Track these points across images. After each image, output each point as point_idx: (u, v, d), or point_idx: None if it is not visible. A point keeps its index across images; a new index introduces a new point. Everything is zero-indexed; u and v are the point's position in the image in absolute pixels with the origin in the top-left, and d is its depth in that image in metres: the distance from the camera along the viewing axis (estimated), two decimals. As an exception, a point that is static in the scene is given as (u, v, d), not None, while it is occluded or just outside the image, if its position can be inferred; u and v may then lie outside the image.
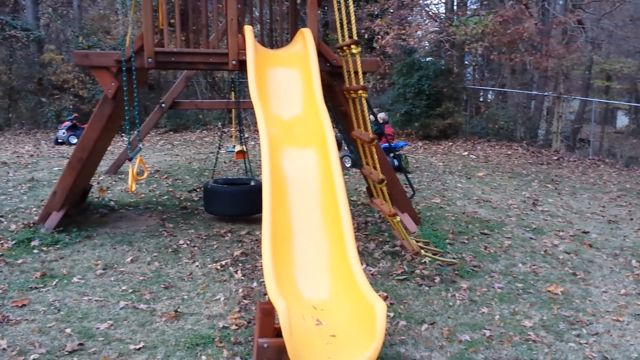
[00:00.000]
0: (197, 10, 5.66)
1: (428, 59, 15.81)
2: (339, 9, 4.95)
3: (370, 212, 6.71)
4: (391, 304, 4.06)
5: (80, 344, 3.35)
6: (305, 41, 5.04)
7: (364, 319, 2.94)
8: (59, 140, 13.53)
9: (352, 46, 4.67)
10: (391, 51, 14.00)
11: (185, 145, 14.10)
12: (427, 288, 4.40)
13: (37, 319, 3.70)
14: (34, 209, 6.45)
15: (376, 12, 15.59)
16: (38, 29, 18.46)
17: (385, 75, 16.13)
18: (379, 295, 3.58)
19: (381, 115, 11.02)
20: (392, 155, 9.53)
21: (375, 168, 4.75)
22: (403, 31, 14.08)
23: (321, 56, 5.21)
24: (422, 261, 4.90)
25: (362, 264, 4.05)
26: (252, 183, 6.59)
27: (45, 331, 3.52)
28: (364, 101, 4.69)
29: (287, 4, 6.08)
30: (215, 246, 5.35)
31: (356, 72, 4.82)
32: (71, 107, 16.64)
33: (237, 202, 6.15)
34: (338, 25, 5.03)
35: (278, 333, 2.89)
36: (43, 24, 20.38)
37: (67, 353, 3.25)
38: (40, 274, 4.45)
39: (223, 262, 4.86)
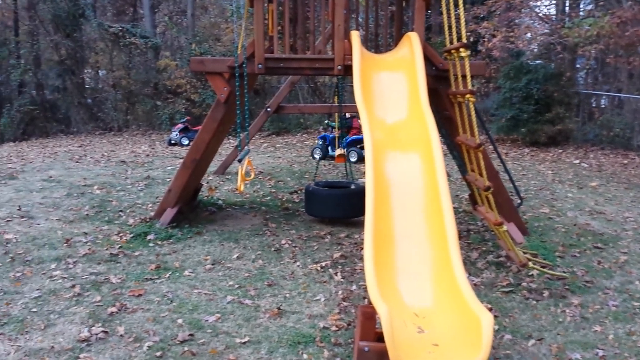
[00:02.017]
0: (304, 17, 5.80)
1: (537, 62, 15.09)
2: (448, 12, 4.87)
3: (472, 220, 6.53)
4: (496, 316, 3.92)
5: (191, 335, 3.54)
6: (411, 45, 5.00)
7: (469, 330, 2.87)
8: (172, 142, 14.38)
9: (461, 49, 4.57)
10: (498, 54, 13.53)
11: (286, 148, 14.47)
12: (534, 302, 4.20)
13: (152, 308, 3.95)
14: (150, 205, 6.92)
15: (482, 15, 15.14)
16: (155, 36, 19.73)
17: (491, 79, 15.60)
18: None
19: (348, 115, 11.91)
20: (359, 146, 10.93)
21: (480, 175, 4.61)
22: (511, 33, 13.57)
23: (427, 60, 5.15)
24: (530, 274, 4.69)
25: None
26: (353, 186, 6.64)
27: (159, 320, 3.75)
28: (471, 106, 4.58)
29: (393, 9, 6.07)
30: (316, 247, 5.45)
31: (463, 76, 4.71)
32: (183, 110, 17.63)
33: (337, 205, 6.22)
34: (446, 28, 4.94)
35: (379, 337, 2.89)
36: (159, 31, 21.78)
37: (178, 342, 3.45)
38: (155, 266, 4.76)
39: (323, 264, 4.93)
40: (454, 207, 7.09)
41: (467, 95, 4.60)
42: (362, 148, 10.82)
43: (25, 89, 19.29)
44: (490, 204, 4.58)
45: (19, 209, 6.54)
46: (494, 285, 4.48)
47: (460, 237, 5.72)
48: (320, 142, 12.03)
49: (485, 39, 13.39)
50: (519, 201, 6.06)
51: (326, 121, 13.28)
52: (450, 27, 4.83)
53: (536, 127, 13.56)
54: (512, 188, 6.28)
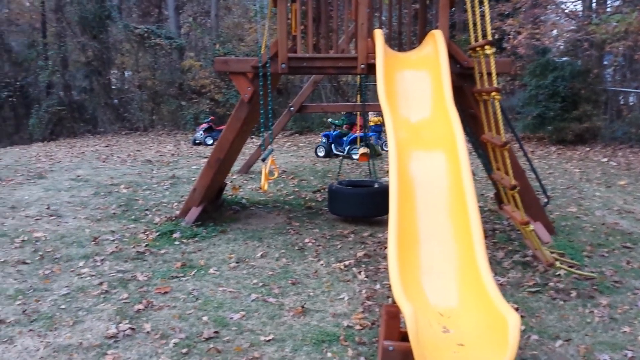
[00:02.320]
0: (327, 16, 5.80)
1: (564, 59, 14.86)
2: (472, 9, 4.82)
3: (498, 219, 6.46)
4: (522, 316, 3.86)
5: (216, 332, 3.57)
6: (435, 43, 4.97)
7: (495, 330, 2.84)
8: (197, 141, 14.52)
9: (487, 47, 4.52)
10: (523, 51, 13.36)
11: (309, 147, 14.48)
12: (561, 302, 4.14)
13: (178, 305, 3.99)
14: (175, 203, 7.00)
15: (507, 12, 14.97)
16: (179, 37, 19.93)
17: (516, 77, 15.41)
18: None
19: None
20: (364, 144, 10.78)
21: (506, 173, 4.56)
22: (537, 30, 13.39)
23: (451, 58, 5.11)
24: (557, 273, 4.62)
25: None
26: (376, 185, 6.62)
27: (184, 317, 3.79)
28: (497, 103, 4.53)
29: (416, 7, 6.04)
30: (339, 246, 5.45)
31: (489, 74, 4.66)
32: (207, 110, 17.79)
33: (360, 204, 6.21)
34: (471, 26, 4.90)
35: (404, 337, 2.88)
36: (184, 32, 21.99)
37: (204, 339, 3.48)
38: (180, 264, 4.81)
39: (347, 262, 4.93)
40: (480, 206, 7.01)
41: (493, 93, 4.55)
42: (367, 145, 10.85)
43: (53, 90, 19.67)
44: (516, 202, 4.52)
45: (48, 208, 6.68)
46: (521, 285, 4.43)
47: (485, 237, 5.63)
48: (324, 140, 12.22)
49: (511, 36, 13.23)
50: (545, 200, 5.98)
51: (329, 119, 13.57)
52: (475, 25, 4.79)
53: (563, 125, 13.35)
54: (538, 187, 6.19)
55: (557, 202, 7.29)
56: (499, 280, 4.46)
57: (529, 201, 5.42)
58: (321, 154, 12.00)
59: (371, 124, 12.67)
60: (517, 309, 3.95)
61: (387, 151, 8.66)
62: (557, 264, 4.40)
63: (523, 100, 14.43)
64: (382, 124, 13.18)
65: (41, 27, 20.39)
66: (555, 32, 14.53)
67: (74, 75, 19.66)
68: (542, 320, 3.84)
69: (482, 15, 4.59)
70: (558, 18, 15.43)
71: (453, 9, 14.36)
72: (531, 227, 4.51)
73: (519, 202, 4.48)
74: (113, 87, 21.07)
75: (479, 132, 5.32)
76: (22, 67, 19.59)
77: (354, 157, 11.46)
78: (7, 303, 3.94)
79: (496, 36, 14.06)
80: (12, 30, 20.42)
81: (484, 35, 4.59)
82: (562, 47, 16.26)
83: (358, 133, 11.53)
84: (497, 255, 5.13)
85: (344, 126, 12.43)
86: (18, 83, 19.00)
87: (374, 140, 12.14)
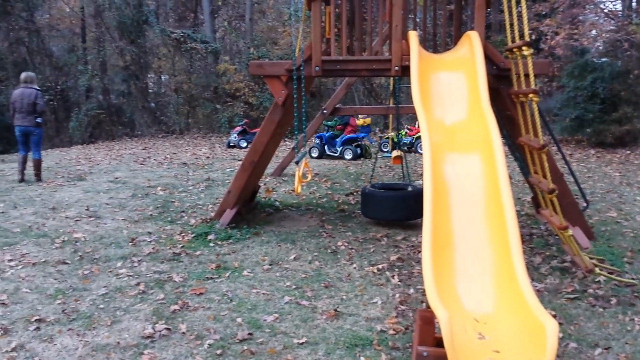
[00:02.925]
0: (361, 18, 5.79)
1: (603, 59, 14.49)
2: (509, 9, 4.74)
3: (535, 223, 6.33)
4: (560, 323, 3.77)
5: (250, 334, 3.59)
6: (471, 44, 4.90)
7: (532, 337, 2.78)
8: (231, 144, 14.69)
9: (524, 48, 4.44)
10: (561, 52, 13.08)
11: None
12: (601, 309, 4.02)
13: (212, 307, 4.03)
14: (210, 205, 7.08)
15: (544, 12, 14.68)
16: (214, 41, 20.19)
17: (554, 78, 15.10)
18: (548, 312, 3.35)
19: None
20: (355, 145, 12.01)
21: (544, 177, 4.46)
22: (575, 31, 13.09)
23: (487, 59, 5.04)
24: (596, 280, 4.49)
25: (528, 278, 3.83)
26: (409, 188, 6.57)
27: (219, 319, 3.83)
28: (534, 105, 4.44)
29: (451, 7, 5.97)
30: (372, 250, 5.42)
31: (526, 75, 4.57)
32: (242, 113, 17.97)
33: (394, 207, 6.17)
34: (507, 27, 4.82)
35: (438, 342, 2.84)
36: (219, 36, 22.27)
37: (237, 341, 3.50)
38: (215, 265, 4.86)
39: (380, 266, 4.90)
40: (516, 210, 6.89)
41: (531, 95, 4.46)
42: (358, 146, 12.15)
43: (93, 93, 20.18)
44: (554, 207, 4.42)
45: (87, 209, 6.84)
46: (559, 292, 4.32)
47: (522, 241, 5.52)
48: (318, 141, 12.65)
49: (548, 37, 12.97)
50: (584, 204, 5.83)
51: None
52: (511, 25, 4.71)
53: (602, 127, 13.01)
54: (577, 191, 6.04)
55: (596, 207, 7.10)
56: (536, 287, 4.37)
57: (567, 205, 5.29)
58: (314, 154, 12.40)
59: (360, 123, 13.43)
60: (554, 316, 3.86)
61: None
62: (597, 270, 4.28)
63: (561, 102, 14.13)
64: (370, 125, 13.93)
65: (81, 32, 20.96)
66: (594, 32, 14.18)
67: (113, 79, 20.13)
68: (581, 328, 3.74)
69: (519, 16, 4.51)
70: (597, 18, 15.06)
71: (489, 9, 14.20)
72: (570, 232, 4.40)
73: (557, 206, 4.37)
74: (150, 90, 21.50)
75: (515, 134, 5.22)
76: (62, 72, 20.16)
77: (347, 157, 11.99)
78: (48, 302, 4.05)
79: (533, 37, 13.81)
80: (53, 35, 21.04)
81: (521, 36, 4.51)
82: (601, 47, 15.86)
83: (351, 134, 12.35)
84: (535, 260, 5.03)
85: (337, 127, 12.85)
86: (59, 87, 19.54)
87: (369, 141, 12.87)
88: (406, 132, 13.67)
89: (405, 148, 12.98)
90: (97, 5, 19.37)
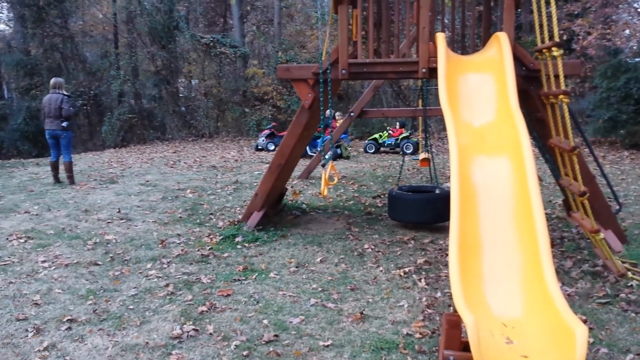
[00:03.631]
0: (388, 20, 5.78)
1: (637, 59, 14.14)
2: (539, 10, 4.67)
3: (566, 226, 6.20)
4: (591, 328, 3.69)
5: (276, 335, 3.60)
6: (500, 45, 4.84)
7: (561, 342, 2.72)
8: (259, 147, 14.80)
9: (553, 48, 4.37)
10: (594, 52, 12.82)
11: (370, 152, 14.45)
12: (633, 314, 3.92)
13: (239, 308, 4.07)
14: (238, 208, 7.15)
15: (576, 12, 14.41)
16: (243, 45, 20.39)
17: (586, 79, 14.81)
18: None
19: (328, 113, 12.85)
20: (335, 145, 12.26)
21: (575, 179, 4.38)
22: (608, 30, 12.82)
23: (517, 60, 4.97)
24: (629, 284, 4.38)
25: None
26: (437, 191, 6.51)
27: (245, 320, 3.86)
28: (565, 107, 4.36)
29: (480, 8, 5.91)
30: (399, 252, 5.39)
31: (556, 76, 4.50)
32: (270, 116, 18.11)
33: (421, 210, 6.13)
34: (537, 27, 4.75)
35: (465, 347, 2.81)
36: (248, 41, 22.48)
37: (264, 343, 3.52)
38: (242, 267, 4.90)
39: (406, 269, 4.87)
40: (547, 213, 6.79)
41: (561, 96, 4.39)
42: (338, 147, 12.75)
43: (125, 98, 20.59)
44: (585, 210, 4.34)
45: (119, 211, 6.98)
46: (590, 296, 4.23)
47: (553, 245, 5.47)
48: None
49: (580, 37, 12.72)
50: (617, 207, 5.69)
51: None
52: (541, 26, 4.64)
53: (636, 128, 12.69)
54: (609, 193, 5.90)
55: (629, 210, 6.93)
56: (566, 291, 4.29)
57: (599, 208, 5.18)
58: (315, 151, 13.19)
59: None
60: (585, 321, 3.78)
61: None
62: (629, 274, 4.18)
63: (594, 103, 13.85)
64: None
65: (113, 38, 21.40)
66: (627, 31, 13.86)
67: (144, 84, 20.52)
68: (612, 333, 3.65)
69: (549, 16, 4.44)
70: (630, 17, 14.71)
71: (519, 10, 14.00)
72: (601, 235, 4.31)
73: (589, 209, 4.29)
74: (180, 95, 21.83)
75: (546, 136, 5.14)
76: (95, 77, 20.62)
77: (326, 157, 12.22)
78: (79, 302, 4.14)
79: (565, 37, 13.58)
80: (86, 41, 21.55)
81: (551, 37, 4.43)
82: (635, 47, 15.47)
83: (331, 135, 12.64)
84: (565, 264, 4.93)
85: (317, 129, 13.11)
86: (92, 92, 19.99)
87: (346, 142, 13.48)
88: (389, 134, 14.41)
89: (388, 149, 14.16)
90: (129, 11, 19.76)
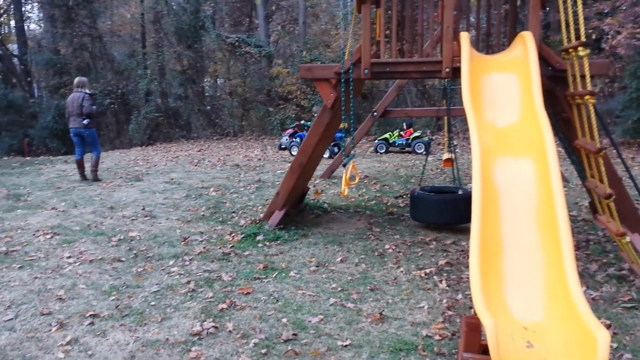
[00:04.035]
0: (412, 20, 5.74)
1: (668, 59, 13.81)
2: (565, 9, 4.59)
3: (593, 229, 6.09)
4: (615, 333, 3.62)
5: (294, 334, 3.61)
6: (525, 45, 4.78)
7: (583, 347, 2.67)
8: (282, 146, 14.86)
9: (579, 48, 4.29)
10: (623, 52, 12.54)
11: (393, 152, 14.39)
12: (661, 321, 3.83)
13: (259, 306, 4.09)
14: (260, 207, 7.18)
15: (606, 11, 14.12)
16: (268, 45, 20.48)
17: (615, 79, 14.50)
18: (601, 322, 3.21)
19: (315, 109, 14.97)
20: (332, 144, 12.82)
21: (601, 181, 4.29)
22: (638, 30, 12.52)
23: (542, 60, 4.90)
24: (657, 290, 4.28)
25: (582, 287, 3.70)
26: (460, 192, 6.45)
27: (265, 318, 3.88)
28: (591, 107, 4.28)
29: (506, 7, 5.83)
30: (420, 253, 5.36)
31: (582, 76, 4.42)
32: (293, 115, 18.17)
33: (443, 211, 6.08)
34: (563, 26, 4.66)
35: (484, 350, 2.78)
36: (272, 40, 22.57)
37: (282, 341, 3.53)
38: (263, 266, 4.93)
39: (427, 270, 4.83)
40: (573, 215, 6.67)
41: (587, 97, 4.31)
42: (335, 145, 13.24)
43: (151, 97, 20.86)
44: (611, 212, 4.25)
45: (143, 209, 7.08)
46: (615, 300, 4.14)
47: (578, 248, 5.38)
48: (298, 140, 14.16)
49: (610, 36, 12.46)
50: (646, 210, 5.57)
51: (302, 122, 16.11)
52: (567, 25, 4.56)
53: (668, 130, 12.40)
54: (637, 196, 5.77)
55: (660, 213, 6.75)
56: (591, 295, 4.21)
57: (625, 211, 5.07)
58: (294, 152, 13.81)
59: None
60: (609, 326, 3.71)
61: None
62: (657, 279, 4.08)
63: (623, 104, 13.57)
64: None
65: (141, 38, 21.69)
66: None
67: (171, 83, 20.76)
68: (637, 339, 3.57)
69: (575, 15, 4.36)
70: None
71: (547, 9, 13.77)
72: (627, 238, 4.22)
73: (615, 211, 4.20)
74: (206, 94, 22.04)
75: (572, 137, 5.05)
76: (123, 76, 20.93)
77: (324, 155, 13.28)
78: (102, 298, 4.21)
79: (594, 36, 13.31)
80: (114, 41, 21.89)
81: (577, 36, 4.35)
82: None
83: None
84: (590, 268, 4.84)
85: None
86: (119, 91, 20.30)
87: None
88: (400, 134, 14.53)
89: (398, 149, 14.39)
90: (157, 11, 20.01)
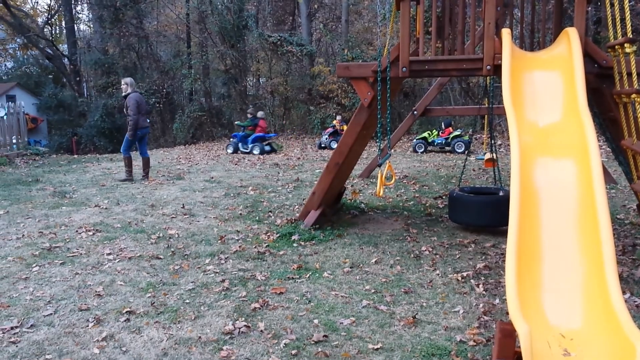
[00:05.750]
0: (454, 17, 5.62)
1: None
2: (612, 4, 4.40)
3: (641, 233, 5.84)
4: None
5: (325, 336, 3.58)
6: (569, 41, 4.60)
7: (621, 356, 2.55)
8: (322, 145, 14.86)
9: (626, 45, 4.10)
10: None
11: (434, 152, 14.19)
12: None
13: (291, 307, 4.08)
14: (296, 206, 7.19)
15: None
16: (310, 43, 20.52)
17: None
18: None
19: (260, 114, 15.17)
20: (265, 142, 14.40)
21: (649, 184, 4.10)
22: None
23: (588, 57, 4.71)
24: None
25: (625, 293, 3.55)
26: (501, 193, 6.28)
27: (296, 319, 3.86)
28: (637, 106, 4.08)
29: (552, 3, 5.64)
30: (458, 256, 5.24)
31: (629, 74, 4.22)
32: (334, 114, 18.12)
33: (483, 212, 5.93)
34: (610, 22, 4.47)
35: (519, 357, 2.69)
36: (315, 39, 22.60)
37: (313, 342, 3.51)
38: (297, 266, 4.92)
39: (464, 274, 4.72)
40: (620, 219, 6.41)
41: (634, 95, 4.12)
42: (269, 144, 14.47)
43: (195, 96, 21.22)
44: (660, 217, 4.05)
45: (183, 207, 7.19)
46: (663, 310, 3.94)
47: (624, 253, 5.16)
48: (234, 140, 15.01)
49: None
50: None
51: (236, 122, 16.94)
52: (614, 21, 4.36)
53: None
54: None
55: None
56: (635, 302, 4.01)
57: (677, 215, 4.83)
58: (230, 150, 14.75)
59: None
60: (655, 336, 3.52)
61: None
62: None
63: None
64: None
65: (186, 38, 22.10)
66: None
67: (214, 82, 21.07)
68: (688, 352, 3.38)
69: (622, 10, 4.17)
70: None
71: (598, 3, 13.28)
72: (678, 244, 4.01)
73: (663, 216, 4.00)
74: (248, 93, 22.26)
75: (619, 137, 4.84)
76: (168, 75, 21.38)
77: (254, 152, 14.25)
78: (139, 295, 4.28)
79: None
80: (160, 41, 22.38)
81: (624, 32, 4.17)
82: None
83: (260, 133, 14.62)
84: (636, 273, 4.62)
85: (248, 127, 14.95)
86: (164, 90, 20.73)
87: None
88: (439, 133, 14.43)
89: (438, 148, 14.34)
90: (201, 11, 20.33)
